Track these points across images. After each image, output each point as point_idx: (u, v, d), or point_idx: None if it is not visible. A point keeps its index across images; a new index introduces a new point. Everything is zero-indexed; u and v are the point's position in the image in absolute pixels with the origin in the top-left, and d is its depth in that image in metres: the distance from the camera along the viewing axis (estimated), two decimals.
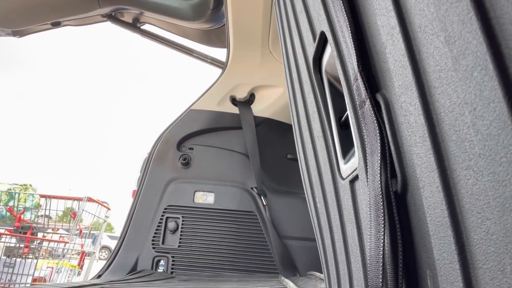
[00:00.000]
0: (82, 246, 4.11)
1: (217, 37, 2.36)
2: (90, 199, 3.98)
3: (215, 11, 2.09)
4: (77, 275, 3.90)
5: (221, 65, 2.37)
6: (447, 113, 0.29)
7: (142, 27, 2.45)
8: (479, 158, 0.25)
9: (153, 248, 2.00)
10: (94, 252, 4.08)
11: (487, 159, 0.25)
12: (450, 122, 0.29)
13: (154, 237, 2.01)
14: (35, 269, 3.44)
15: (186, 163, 2.14)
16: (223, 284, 1.54)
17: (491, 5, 0.23)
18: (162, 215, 2.04)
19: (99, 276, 1.88)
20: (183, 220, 2.04)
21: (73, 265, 3.88)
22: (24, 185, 4.21)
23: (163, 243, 2.00)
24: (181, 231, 2.02)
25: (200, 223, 2.04)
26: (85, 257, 4.11)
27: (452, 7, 0.26)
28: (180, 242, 2.01)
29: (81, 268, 4.01)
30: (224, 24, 2.06)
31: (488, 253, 0.25)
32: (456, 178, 0.29)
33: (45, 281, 3.54)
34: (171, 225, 2.02)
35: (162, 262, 1.99)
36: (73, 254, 3.99)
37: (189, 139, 2.20)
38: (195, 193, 2.10)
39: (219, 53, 2.53)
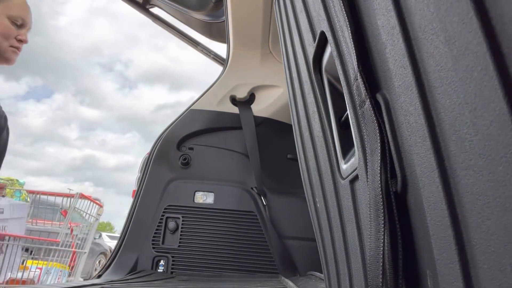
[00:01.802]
0: (73, 246, 3.85)
1: (218, 31, 2.36)
2: (82, 196, 3.69)
3: (217, 5, 2.09)
4: (68, 277, 3.70)
5: (223, 62, 2.37)
6: (447, 113, 0.29)
7: (151, 10, 2.42)
8: (479, 158, 0.25)
9: (153, 248, 1.99)
10: (85, 252, 3.90)
11: (487, 159, 0.25)
12: (450, 122, 0.29)
13: (154, 237, 2.01)
14: (18, 270, 3.23)
15: (186, 163, 2.14)
16: (223, 284, 1.54)
17: (491, 5, 0.23)
18: (162, 215, 2.04)
19: (99, 276, 1.88)
20: (183, 220, 2.04)
21: (63, 266, 3.66)
22: (10, 179, 3.91)
23: (163, 243, 2.00)
24: (181, 231, 2.02)
25: (200, 223, 2.04)
26: (75, 258, 3.85)
27: (452, 7, 0.26)
28: (180, 242, 2.00)
29: (72, 269, 3.80)
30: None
31: (488, 253, 0.25)
32: (456, 178, 0.29)
33: (33, 283, 3.36)
34: (171, 225, 2.02)
35: (162, 262, 1.98)
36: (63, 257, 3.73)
37: (189, 139, 2.19)
38: (195, 193, 2.10)
39: (222, 51, 2.53)
